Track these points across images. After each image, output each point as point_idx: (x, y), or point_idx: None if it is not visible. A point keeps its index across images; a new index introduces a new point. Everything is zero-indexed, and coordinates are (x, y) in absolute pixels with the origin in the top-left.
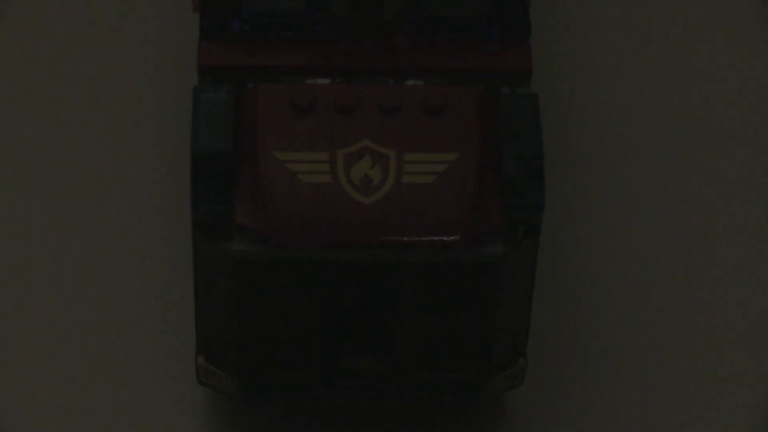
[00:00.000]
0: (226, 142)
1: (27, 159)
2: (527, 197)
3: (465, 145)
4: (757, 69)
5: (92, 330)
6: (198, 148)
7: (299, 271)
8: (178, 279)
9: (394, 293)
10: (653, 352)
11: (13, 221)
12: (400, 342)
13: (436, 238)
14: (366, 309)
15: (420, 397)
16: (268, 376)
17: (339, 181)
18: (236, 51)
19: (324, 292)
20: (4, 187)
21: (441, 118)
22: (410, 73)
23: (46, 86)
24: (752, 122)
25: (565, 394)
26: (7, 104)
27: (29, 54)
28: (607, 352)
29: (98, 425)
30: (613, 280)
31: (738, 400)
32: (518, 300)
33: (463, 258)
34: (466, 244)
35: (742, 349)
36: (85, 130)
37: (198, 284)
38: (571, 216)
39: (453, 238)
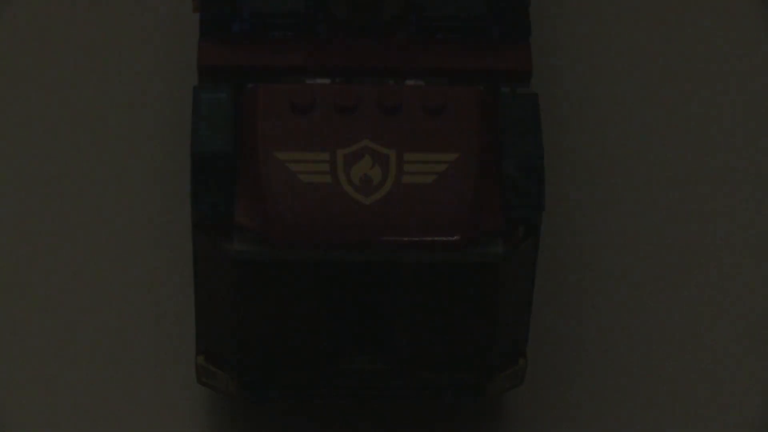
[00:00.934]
0: (226, 142)
1: (27, 159)
2: (527, 197)
3: (465, 145)
4: (757, 69)
5: (92, 330)
6: (198, 148)
7: (299, 271)
8: (178, 279)
9: (394, 293)
10: (653, 352)
11: (13, 221)
12: (400, 342)
13: (436, 238)
14: (366, 309)
15: (420, 397)
16: (268, 376)
17: (339, 181)
18: (236, 51)
19: (324, 292)
20: (4, 187)
21: (441, 118)
22: (410, 73)
23: (46, 86)
24: (752, 122)
25: (565, 394)
26: (7, 104)
27: (29, 54)
28: (607, 352)
29: (98, 425)
30: (613, 280)
31: (738, 400)
32: (518, 300)
33: (463, 258)
34: (466, 244)
35: (742, 349)
36: (85, 130)
37: (198, 284)
38: (571, 216)
39: (453, 238)
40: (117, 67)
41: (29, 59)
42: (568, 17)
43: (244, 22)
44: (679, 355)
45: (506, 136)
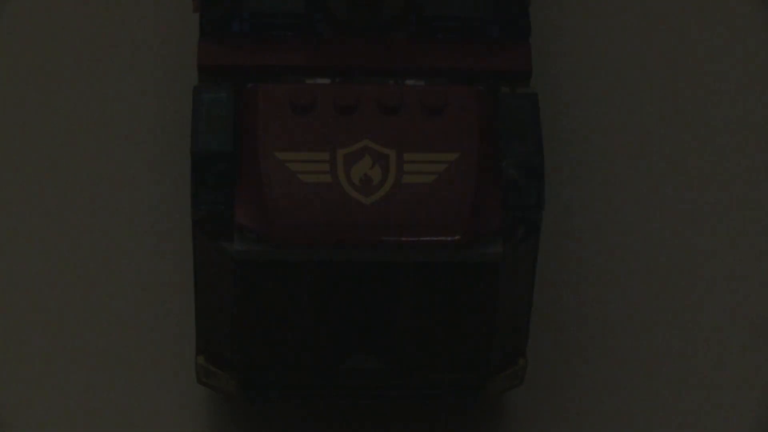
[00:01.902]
0: (226, 142)
1: (27, 159)
2: (527, 197)
3: (465, 145)
4: (756, 69)
5: (92, 330)
6: (198, 148)
7: (299, 271)
8: (178, 279)
9: (394, 293)
10: (653, 352)
11: (13, 221)
12: (400, 342)
13: (436, 238)
14: (366, 309)
15: (420, 397)
16: (268, 376)
17: (339, 181)
18: (236, 51)
19: (324, 291)
20: (4, 187)
21: (441, 117)
22: (410, 72)
23: (46, 86)
24: (752, 122)
25: (565, 394)
26: (7, 104)
27: (29, 54)
28: (607, 352)
29: (98, 425)
30: (613, 280)
31: (738, 400)
32: (518, 300)
33: (463, 258)
34: (466, 244)
35: (742, 349)
36: (85, 130)
37: (198, 284)
38: (571, 216)
39: (453, 238)
40: (117, 67)
41: (29, 59)
42: (568, 17)
43: (244, 22)
44: (679, 355)
45: (506, 136)
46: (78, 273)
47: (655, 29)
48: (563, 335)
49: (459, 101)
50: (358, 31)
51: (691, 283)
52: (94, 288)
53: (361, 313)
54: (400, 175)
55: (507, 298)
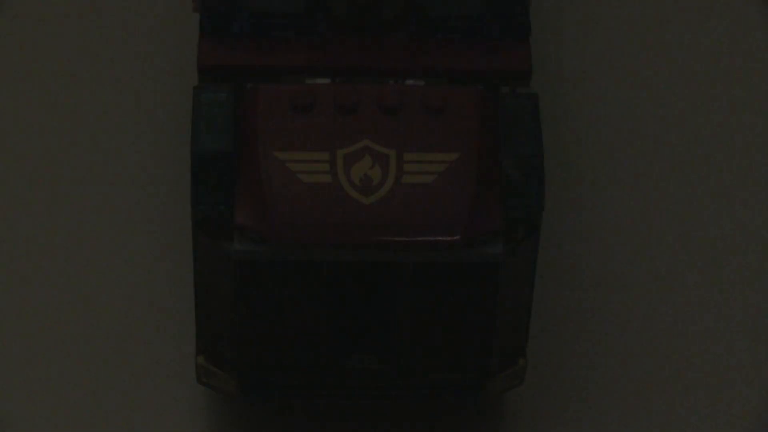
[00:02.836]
0: (226, 142)
1: (27, 159)
2: (527, 197)
3: (465, 145)
4: (757, 69)
5: (92, 330)
6: (198, 148)
7: (299, 271)
8: (178, 279)
9: (394, 293)
10: (653, 352)
11: (14, 221)
12: (400, 342)
13: (436, 238)
14: (366, 309)
15: (420, 397)
16: (268, 376)
17: (339, 181)
18: (236, 51)
19: (324, 292)
20: (4, 187)
21: (441, 117)
22: (410, 72)
23: (46, 86)
24: (752, 122)
25: (565, 394)
26: (8, 104)
27: (29, 54)
28: (607, 352)
29: (98, 425)
30: (613, 280)
31: (738, 400)
32: (518, 300)
33: (463, 258)
34: (466, 244)
35: (742, 349)
36: (85, 130)
37: (198, 284)
38: (571, 216)
39: (453, 238)
40: (117, 67)
41: (29, 59)
42: (568, 17)
43: (244, 22)
44: (679, 355)
45: (506, 136)
46: (78, 273)
47: (656, 29)
48: (563, 335)
49: (459, 101)
50: (358, 31)
51: (691, 283)
52: (94, 288)
53: (360, 313)
54: (400, 175)
55: (507, 298)
